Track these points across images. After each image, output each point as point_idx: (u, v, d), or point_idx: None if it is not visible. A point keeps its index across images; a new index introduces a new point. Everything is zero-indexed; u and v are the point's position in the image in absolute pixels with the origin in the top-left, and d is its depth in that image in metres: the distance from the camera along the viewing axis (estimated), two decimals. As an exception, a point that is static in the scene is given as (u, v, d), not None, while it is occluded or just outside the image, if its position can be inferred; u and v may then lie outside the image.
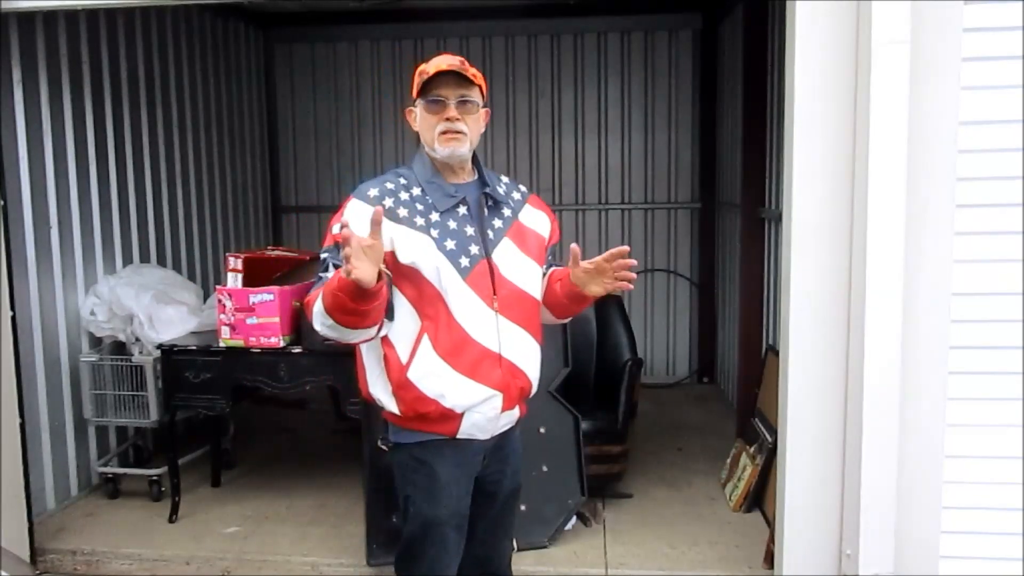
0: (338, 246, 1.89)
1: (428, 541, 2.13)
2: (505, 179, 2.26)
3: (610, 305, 4.38)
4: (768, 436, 3.66)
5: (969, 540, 2.61)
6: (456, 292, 2.01)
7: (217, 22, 5.50)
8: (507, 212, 2.16)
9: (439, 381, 2.01)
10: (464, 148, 2.06)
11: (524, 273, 2.13)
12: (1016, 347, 2.55)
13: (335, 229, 1.96)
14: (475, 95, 2.07)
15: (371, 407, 2.22)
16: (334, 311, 1.84)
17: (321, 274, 2.00)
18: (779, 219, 3.40)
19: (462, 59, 2.07)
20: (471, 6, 5.62)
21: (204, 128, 5.27)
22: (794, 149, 2.59)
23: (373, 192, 2.04)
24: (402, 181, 2.08)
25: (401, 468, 2.17)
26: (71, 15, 3.89)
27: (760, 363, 4.24)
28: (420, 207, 2.04)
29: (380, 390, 2.09)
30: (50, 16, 3.74)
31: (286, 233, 6.43)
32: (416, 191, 2.07)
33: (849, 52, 2.50)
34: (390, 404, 2.08)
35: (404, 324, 2.03)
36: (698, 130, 5.92)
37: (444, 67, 2.01)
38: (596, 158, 6.09)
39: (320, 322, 1.91)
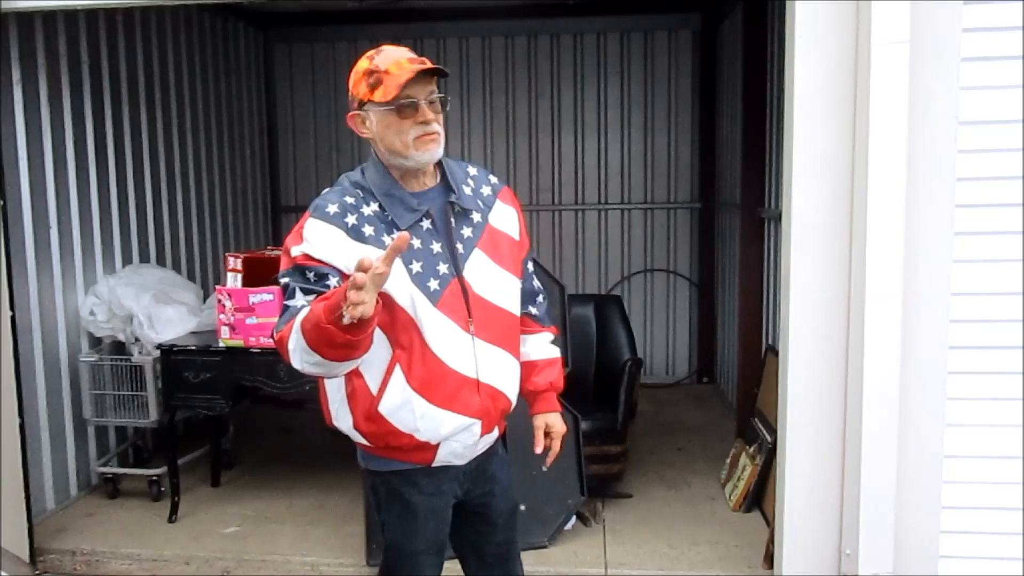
0: (300, 269, 1.76)
1: (403, 570, 2.03)
2: (473, 170, 2.01)
3: (610, 305, 4.39)
4: (768, 436, 3.66)
5: (969, 540, 2.62)
6: (428, 319, 1.81)
7: (217, 22, 5.50)
8: (477, 217, 1.92)
9: (412, 416, 1.84)
10: (440, 149, 1.86)
11: (499, 288, 1.93)
12: (1016, 347, 2.55)
13: (294, 251, 1.79)
14: (439, 88, 1.87)
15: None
16: (321, 346, 1.58)
17: (287, 302, 1.75)
18: (779, 219, 3.40)
19: (407, 48, 1.88)
20: (471, 6, 5.61)
21: (204, 128, 5.27)
22: (794, 149, 2.59)
23: (333, 208, 1.82)
24: (360, 194, 1.86)
25: (375, 493, 2.03)
26: (70, 15, 3.88)
27: (760, 363, 4.24)
28: (382, 225, 1.82)
29: (345, 423, 1.92)
30: (49, 16, 3.74)
31: (285, 233, 6.40)
32: (374, 206, 1.84)
33: (849, 52, 2.51)
34: (357, 437, 1.93)
35: (373, 352, 1.76)
36: (698, 130, 5.92)
37: (416, 66, 1.78)
38: (596, 158, 6.08)
39: (301, 359, 1.66)
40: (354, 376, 1.86)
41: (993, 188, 2.51)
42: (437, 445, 1.90)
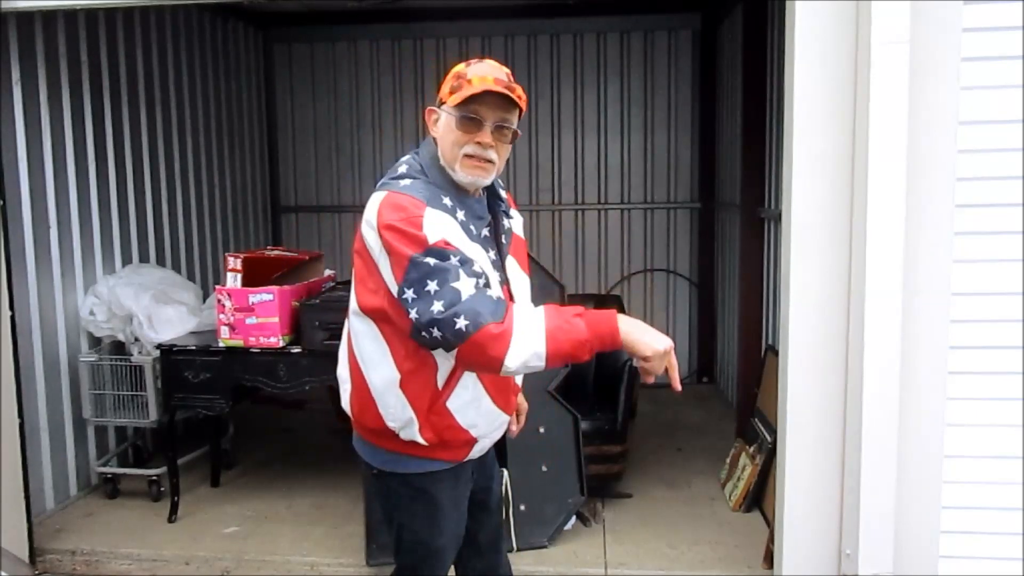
0: (443, 253, 1.70)
1: (428, 568, 2.04)
2: None
3: (610, 305, 4.35)
4: (768, 436, 3.66)
5: (969, 540, 2.62)
6: None
7: (216, 22, 5.50)
8: (506, 224, 2.01)
9: (476, 413, 1.90)
10: (489, 178, 1.87)
11: (526, 291, 2.02)
12: (1016, 347, 2.55)
13: (430, 235, 1.72)
14: (514, 119, 1.86)
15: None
16: (558, 359, 1.73)
17: (455, 284, 1.69)
18: (779, 219, 3.40)
19: (508, 72, 1.87)
20: (471, 6, 5.62)
21: (203, 128, 5.27)
22: (794, 149, 2.59)
23: (447, 200, 1.81)
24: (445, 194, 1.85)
25: (391, 496, 2.01)
26: (70, 15, 3.88)
27: (760, 363, 4.24)
28: (472, 226, 1.86)
29: (407, 420, 1.87)
30: (49, 16, 3.74)
31: (285, 233, 6.43)
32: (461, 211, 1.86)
33: (849, 52, 2.51)
34: (413, 433, 1.88)
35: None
36: (698, 130, 5.92)
37: (492, 86, 1.79)
38: (596, 158, 6.09)
39: (523, 361, 1.69)
40: (423, 372, 1.85)
41: (993, 188, 2.51)
42: (476, 441, 1.95)
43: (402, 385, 1.87)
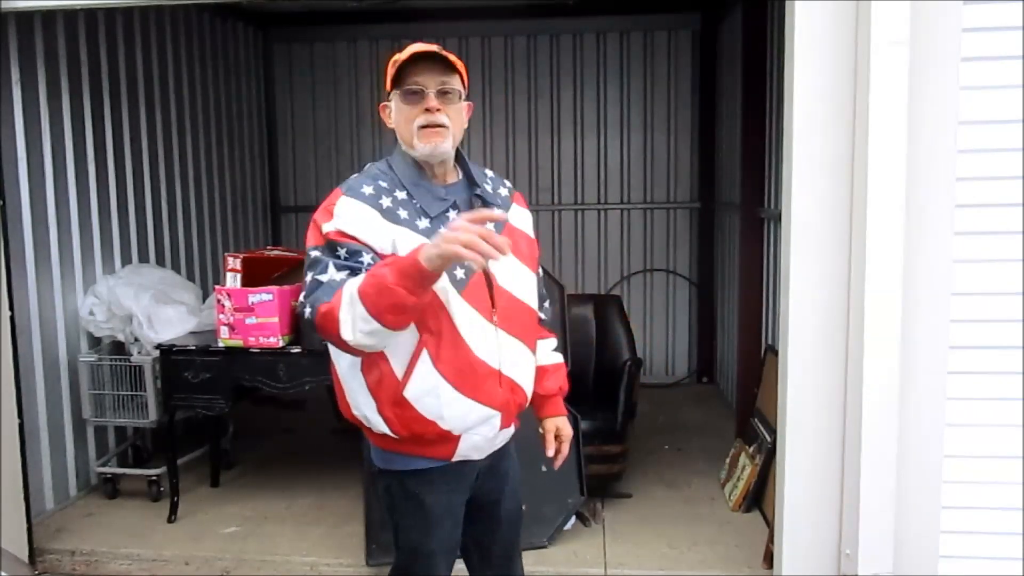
0: (332, 245, 1.77)
1: (419, 569, 2.03)
2: (489, 173, 2.07)
3: (609, 305, 4.39)
4: (767, 436, 3.66)
5: (968, 540, 2.61)
6: (455, 306, 1.83)
7: (216, 22, 5.50)
8: (498, 212, 1.97)
9: (438, 402, 1.84)
10: (447, 144, 1.87)
11: (521, 281, 1.98)
12: (1016, 347, 2.55)
13: (326, 227, 1.80)
14: (456, 83, 1.88)
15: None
16: (384, 312, 1.64)
17: (319, 276, 1.76)
18: (779, 219, 3.40)
19: (439, 46, 1.90)
20: (471, 6, 5.62)
21: (203, 128, 5.27)
22: (793, 149, 2.58)
23: (368, 190, 1.85)
24: (391, 180, 1.89)
25: (389, 495, 2.02)
26: (70, 15, 3.88)
27: (759, 363, 4.24)
28: (413, 211, 1.87)
29: (368, 409, 1.90)
30: (49, 16, 3.74)
31: (285, 233, 6.43)
32: (401, 194, 1.87)
33: (849, 52, 2.50)
34: (380, 424, 1.89)
35: (399, 336, 1.77)
36: (697, 130, 5.92)
37: (418, 49, 1.84)
38: (595, 158, 6.09)
39: (355, 329, 1.66)
40: (379, 361, 1.85)
41: (993, 188, 2.51)
42: (458, 438, 1.90)
43: (363, 368, 1.89)
